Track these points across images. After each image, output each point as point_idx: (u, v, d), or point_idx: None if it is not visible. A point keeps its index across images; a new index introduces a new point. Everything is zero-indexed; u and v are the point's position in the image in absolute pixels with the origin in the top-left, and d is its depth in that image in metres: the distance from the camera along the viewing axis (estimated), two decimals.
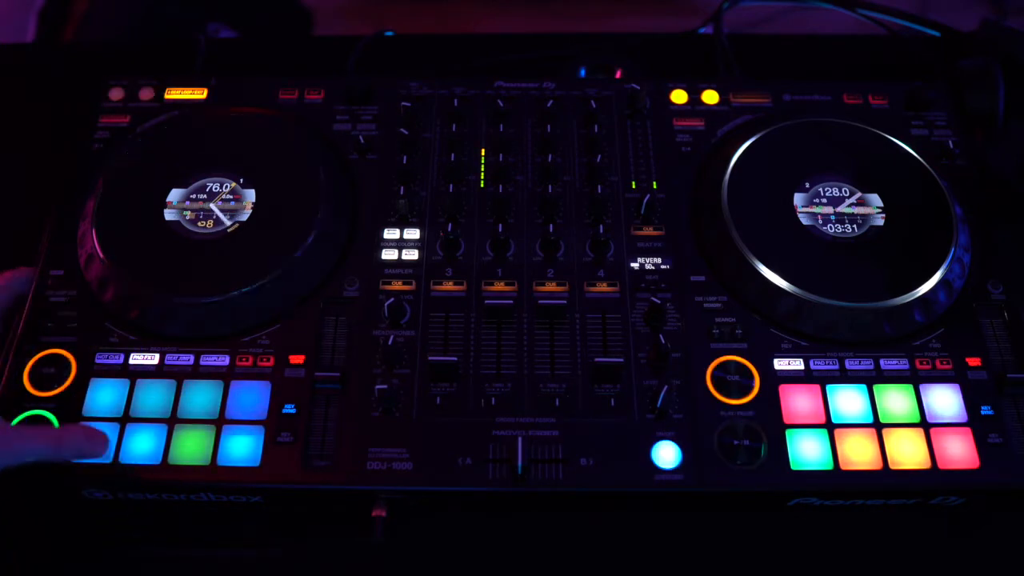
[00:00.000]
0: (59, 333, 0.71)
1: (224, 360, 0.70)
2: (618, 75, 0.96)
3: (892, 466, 0.66)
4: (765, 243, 0.74)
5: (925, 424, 0.68)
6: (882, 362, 0.71)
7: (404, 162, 0.81)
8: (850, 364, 0.71)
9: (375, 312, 0.73)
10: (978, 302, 0.74)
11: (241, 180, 0.77)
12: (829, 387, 0.70)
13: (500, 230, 0.76)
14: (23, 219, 0.80)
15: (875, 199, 0.78)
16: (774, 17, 1.53)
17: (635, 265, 0.76)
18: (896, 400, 0.69)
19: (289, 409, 0.68)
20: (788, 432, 0.68)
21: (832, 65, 1.01)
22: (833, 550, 0.71)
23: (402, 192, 0.79)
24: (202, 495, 0.67)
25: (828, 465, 0.66)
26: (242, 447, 0.66)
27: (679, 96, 0.86)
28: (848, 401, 0.69)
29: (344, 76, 0.92)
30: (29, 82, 1.01)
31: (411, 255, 0.76)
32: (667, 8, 1.76)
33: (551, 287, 0.74)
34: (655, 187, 0.80)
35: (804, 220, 0.76)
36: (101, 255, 0.72)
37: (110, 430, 0.67)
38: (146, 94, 0.85)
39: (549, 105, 0.85)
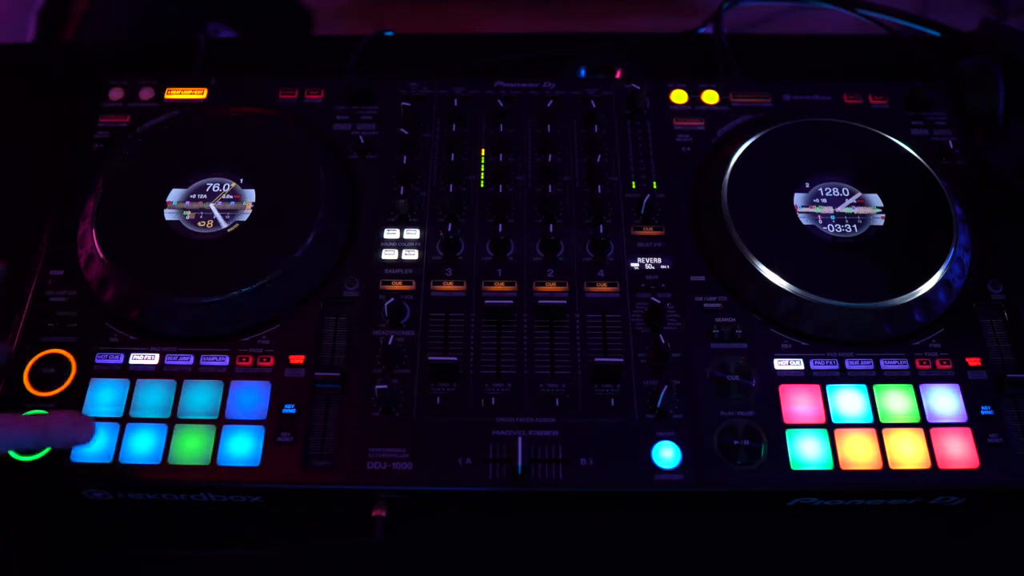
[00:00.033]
0: (59, 333, 0.71)
1: (224, 360, 0.70)
2: (618, 75, 0.96)
3: (892, 466, 0.66)
4: (765, 243, 0.74)
5: (925, 424, 0.68)
6: (882, 362, 0.71)
7: (404, 162, 0.81)
8: (850, 364, 0.71)
9: (375, 312, 0.73)
10: (978, 302, 0.74)
11: (241, 180, 0.77)
12: (829, 387, 0.70)
13: (500, 230, 0.76)
14: (23, 219, 0.80)
15: (875, 199, 0.78)
16: (774, 17, 1.53)
17: (635, 265, 0.76)
18: (896, 400, 0.69)
19: (289, 409, 0.68)
20: (788, 432, 0.68)
21: (832, 65, 1.01)
22: (833, 550, 0.71)
23: (402, 192, 0.79)
24: (202, 495, 0.67)
25: (828, 465, 0.66)
26: (242, 447, 0.66)
27: (679, 96, 0.86)
28: (848, 401, 0.69)
29: (344, 76, 0.91)
30: (29, 82, 1.01)
31: (411, 255, 0.76)
32: (667, 8, 1.76)
33: (551, 287, 0.74)
34: (655, 187, 0.80)
35: (804, 220, 0.76)
36: (101, 255, 0.72)
37: (110, 430, 0.67)
38: (146, 94, 0.85)
39: (549, 105, 0.84)
